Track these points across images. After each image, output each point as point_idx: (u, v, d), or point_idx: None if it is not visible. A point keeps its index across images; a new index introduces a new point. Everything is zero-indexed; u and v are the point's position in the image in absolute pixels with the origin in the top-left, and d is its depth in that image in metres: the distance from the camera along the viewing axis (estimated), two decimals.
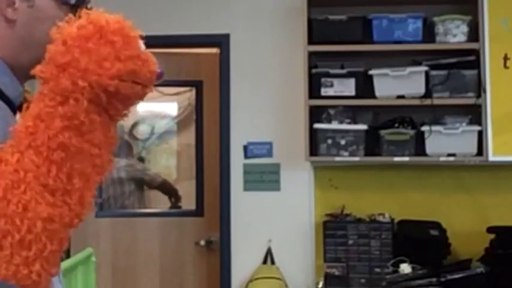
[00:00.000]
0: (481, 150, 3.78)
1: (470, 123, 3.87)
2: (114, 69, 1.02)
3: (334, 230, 3.93)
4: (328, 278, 3.88)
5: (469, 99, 3.83)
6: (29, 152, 1.01)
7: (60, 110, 1.03)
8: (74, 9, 1.29)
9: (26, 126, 1.04)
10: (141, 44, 1.07)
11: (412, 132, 3.89)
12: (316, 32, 3.96)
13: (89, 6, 1.35)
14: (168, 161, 6.25)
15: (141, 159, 6.23)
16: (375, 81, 3.92)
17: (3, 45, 1.29)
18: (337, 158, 3.92)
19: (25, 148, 1.02)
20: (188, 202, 5.04)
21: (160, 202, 5.71)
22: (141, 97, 1.10)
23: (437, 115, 3.88)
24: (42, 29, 1.26)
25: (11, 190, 1.00)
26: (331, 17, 3.96)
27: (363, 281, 3.87)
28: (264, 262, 4.16)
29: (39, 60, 1.26)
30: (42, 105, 1.04)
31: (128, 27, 1.07)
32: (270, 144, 4.23)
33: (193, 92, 4.86)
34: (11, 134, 1.07)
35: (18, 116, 1.27)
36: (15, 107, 1.30)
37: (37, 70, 1.08)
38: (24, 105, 1.11)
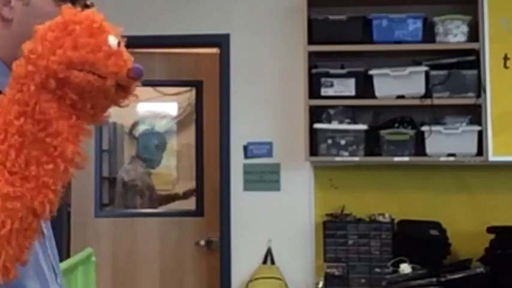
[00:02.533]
0: (481, 150, 3.78)
1: (470, 123, 3.87)
2: (64, 55, 1.01)
3: (334, 230, 3.93)
4: (328, 278, 3.89)
5: (469, 99, 3.83)
6: None
7: (16, 96, 1.02)
8: (72, 5, 1.27)
9: None
10: (112, 40, 1.04)
11: (412, 132, 3.89)
12: (316, 32, 3.96)
13: (88, 2, 1.35)
14: (168, 161, 6.25)
15: (141, 159, 6.23)
16: (375, 81, 3.92)
17: (0, 45, 1.29)
18: (337, 158, 3.92)
19: None
20: (188, 202, 5.05)
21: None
22: (102, 91, 1.05)
23: (437, 115, 3.88)
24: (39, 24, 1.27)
25: None
26: (331, 17, 3.96)
27: (363, 281, 3.87)
28: (264, 262, 4.16)
29: None
30: (7, 92, 1.05)
31: (96, 21, 1.04)
32: (270, 144, 4.23)
33: (193, 92, 4.86)
34: None
35: None
36: None
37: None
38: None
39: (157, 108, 6.17)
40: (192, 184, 4.91)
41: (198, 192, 4.69)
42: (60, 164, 1.04)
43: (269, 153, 4.23)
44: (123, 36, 1.07)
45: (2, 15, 1.27)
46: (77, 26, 1.02)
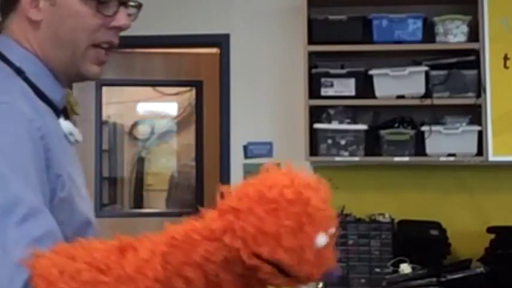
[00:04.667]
0: (481, 150, 3.78)
1: (470, 123, 3.87)
2: (269, 252, 0.87)
3: None
4: None
5: (469, 99, 3.83)
6: (157, 259, 0.93)
7: (205, 245, 0.91)
8: (104, 4, 1.24)
9: (173, 238, 0.95)
10: (321, 240, 0.88)
11: (412, 132, 3.89)
12: (316, 32, 3.96)
13: (134, 3, 1.34)
14: (168, 161, 6.25)
15: (141, 159, 6.24)
16: (375, 81, 3.92)
17: (32, 47, 1.25)
18: (337, 158, 3.92)
19: (158, 255, 0.93)
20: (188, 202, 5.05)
21: (160, 202, 5.72)
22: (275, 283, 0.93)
23: (437, 115, 3.88)
24: (67, 26, 1.23)
25: None
26: (331, 17, 3.96)
27: (363, 281, 3.86)
28: None
29: (67, 60, 1.25)
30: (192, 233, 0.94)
31: (311, 205, 0.89)
32: (270, 144, 4.23)
33: (193, 92, 4.87)
34: None
35: (61, 120, 1.26)
36: (58, 110, 1.27)
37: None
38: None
39: (157, 108, 6.17)
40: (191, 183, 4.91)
41: (198, 192, 4.69)
42: None
43: (269, 153, 4.22)
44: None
45: (29, 18, 1.24)
46: (286, 209, 0.88)
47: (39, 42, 1.24)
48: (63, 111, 1.29)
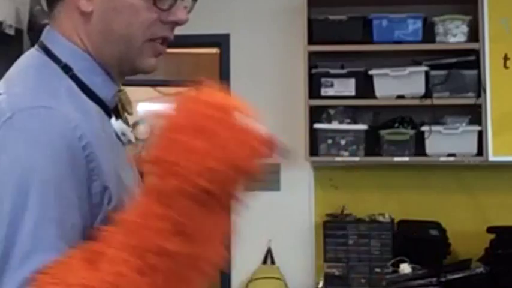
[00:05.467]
0: (481, 150, 3.78)
1: (470, 123, 3.87)
2: (217, 172, 0.93)
3: (334, 230, 3.93)
4: (328, 278, 3.89)
5: (469, 99, 3.83)
6: (128, 252, 0.94)
7: (165, 214, 0.94)
8: None
9: (132, 222, 0.96)
10: (256, 127, 0.97)
11: (412, 132, 3.89)
12: (316, 32, 3.96)
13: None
14: None
15: None
16: (375, 81, 3.92)
17: (81, 41, 1.16)
18: (337, 158, 3.92)
19: (126, 247, 0.94)
20: None
21: None
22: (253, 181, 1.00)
23: (437, 115, 3.88)
24: (121, 20, 1.14)
25: None
26: (331, 17, 3.96)
27: (363, 281, 3.87)
28: (264, 262, 4.16)
29: (121, 55, 1.17)
30: (146, 203, 0.97)
31: (232, 110, 0.96)
32: None
33: None
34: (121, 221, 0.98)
35: (113, 119, 1.19)
36: (109, 110, 1.18)
37: (148, 164, 0.98)
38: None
39: (157, 108, 6.17)
40: None
41: None
42: (209, 274, 1.02)
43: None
44: None
45: (80, 9, 1.14)
46: (214, 125, 0.94)
47: (90, 36, 1.16)
48: (114, 110, 1.21)
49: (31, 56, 1.18)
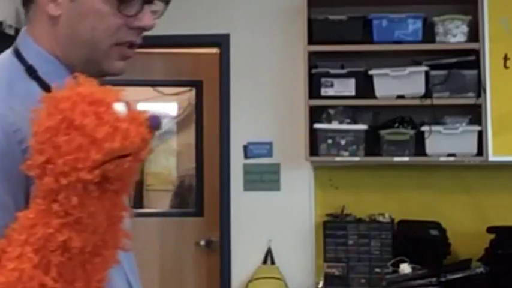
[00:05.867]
0: (481, 150, 3.78)
1: (470, 123, 3.87)
2: (89, 161, 0.95)
3: (334, 230, 3.93)
4: (328, 278, 3.88)
5: (469, 99, 3.83)
6: (27, 249, 0.98)
7: (54, 207, 0.98)
8: (126, 3, 1.19)
9: (28, 218, 1.00)
10: (118, 109, 1.00)
11: (412, 132, 3.89)
12: (316, 32, 3.96)
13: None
14: (168, 161, 6.25)
15: None
16: (375, 81, 3.92)
17: (50, 44, 1.20)
18: (337, 158, 3.92)
19: (24, 244, 0.98)
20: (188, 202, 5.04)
21: (160, 202, 5.71)
22: (138, 162, 1.01)
23: (437, 115, 3.88)
24: (86, 24, 1.17)
25: None
26: (331, 17, 3.96)
27: (363, 281, 3.87)
28: (264, 262, 4.16)
29: (88, 58, 1.20)
30: (32, 206, 1.00)
31: (97, 101, 0.98)
32: (270, 144, 4.23)
33: (193, 92, 4.86)
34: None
35: None
36: None
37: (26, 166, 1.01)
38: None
39: (157, 108, 6.16)
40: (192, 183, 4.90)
41: (198, 192, 4.69)
42: (111, 259, 1.04)
43: (269, 153, 4.23)
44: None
45: (48, 13, 1.18)
46: (84, 119, 0.97)
47: (58, 39, 1.19)
48: None
49: (4, 56, 1.23)
